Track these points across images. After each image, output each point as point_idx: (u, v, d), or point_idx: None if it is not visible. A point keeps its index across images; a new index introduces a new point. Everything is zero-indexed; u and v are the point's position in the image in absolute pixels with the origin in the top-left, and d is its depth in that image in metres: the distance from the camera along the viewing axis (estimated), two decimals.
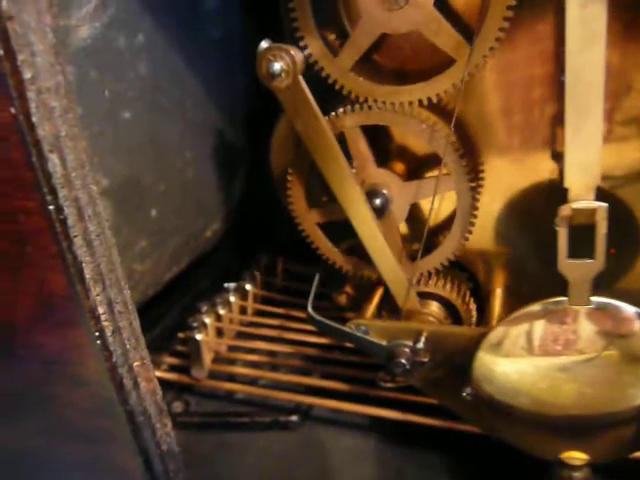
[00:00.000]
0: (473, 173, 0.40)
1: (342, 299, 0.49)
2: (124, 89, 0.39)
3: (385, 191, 0.41)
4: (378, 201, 0.40)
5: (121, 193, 0.41)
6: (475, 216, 0.41)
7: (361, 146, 0.40)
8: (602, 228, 0.33)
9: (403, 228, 0.45)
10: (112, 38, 0.37)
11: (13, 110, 0.24)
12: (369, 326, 0.42)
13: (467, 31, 0.36)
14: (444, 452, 0.44)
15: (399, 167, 0.42)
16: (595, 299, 0.35)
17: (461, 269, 0.45)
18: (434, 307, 0.43)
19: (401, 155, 0.42)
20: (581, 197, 0.33)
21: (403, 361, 0.40)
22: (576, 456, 0.37)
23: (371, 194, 0.40)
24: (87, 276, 0.27)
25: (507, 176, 0.41)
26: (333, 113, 0.39)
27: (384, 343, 0.41)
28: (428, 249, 0.42)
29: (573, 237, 0.34)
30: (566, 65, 0.31)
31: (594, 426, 0.36)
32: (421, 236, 0.40)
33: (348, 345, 0.46)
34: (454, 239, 0.41)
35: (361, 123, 0.39)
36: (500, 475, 0.42)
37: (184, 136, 0.46)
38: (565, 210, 0.33)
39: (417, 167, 0.43)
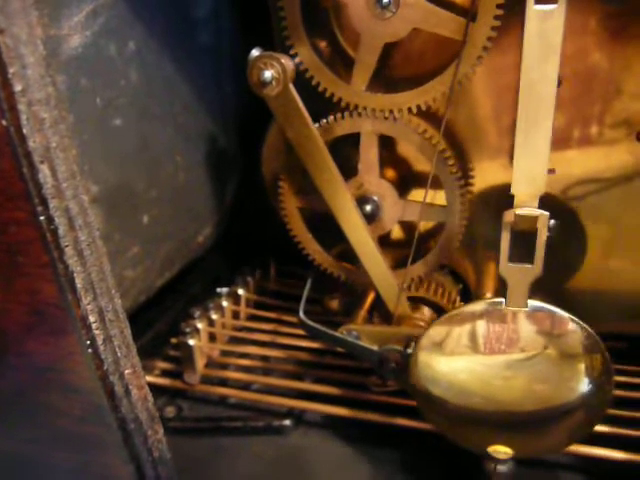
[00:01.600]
0: (463, 179, 0.40)
1: (334, 304, 0.49)
2: (115, 96, 0.39)
3: (376, 198, 0.41)
4: (368, 207, 0.41)
5: (112, 200, 0.41)
6: (465, 221, 0.41)
7: (372, 153, 0.40)
8: (542, 235, 0.34)
9: (394, 234, 0.45)
10: (103, 46, 0.37)
11: (4, 122, 0.24)
12: (360, 331, 0.42)
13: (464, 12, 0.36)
14: (436, 456, 0.44)
15: (390, 174, 0.42)
16: (531, 302, 0.36)
17: (451, 274, 0.46)
18: (425, 312, 0.43)
19: (392, 162, 0.43)
20: (525, 204, 0.34)
21: (394, 365, 0.41)
22: (501, 450, 0.38)
23: (362, 201, 0.41)
24: (78, 285, 0.27)
25: (497, 180, 0.42)
26: (324, 121, 0.39)
27: (375, 348, 0.41)
28: (419, 254, 0.42)
29: (525, 241, 0.35)
30: (521, 76, 0.32)
31: (546, 419, 0.37)
32: (412, 241, 0.41)
33: (340, 350, 0.46)
34: (444, 244, 0.42)
35: (351, 131, 0.40)
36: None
37: (175, 142, 0.46)
38: (509, 216, 0.34)
39: (408, 174, 0.43)
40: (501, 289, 0.36)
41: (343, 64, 0.40)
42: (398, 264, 0.43)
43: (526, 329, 0.36)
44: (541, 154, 0.33)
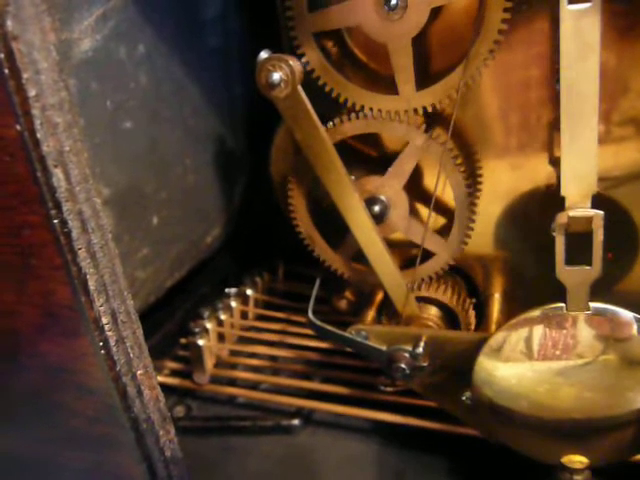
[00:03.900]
0: (471, 179, 0.40)
1: (342, 304, 0.49)
2: (125, 99, 0.40)
3: (383, 197, 0.41)
4: (377, 208, 0.41)
5: (123, 202, 0.41)
6: (473, 221, 0.41)
7: (409, 165, 0.40)
8: (599, 235, 0.34)
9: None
10: (113, 50, 0.38)
11: (18, 127, 0.24)
12: (369, 331, 0.42)
13: None
14: (444, 455, 0.44)
15: None
16: (593, 305, 0.35)
17: (460, 274, 0.46)
18: (433, 312, 0.44)
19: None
20: (578, 205, 0.34)
21: (403, 366, 0.41)
22: (576, 459, 0.37)
23: (370, 201, 0.41)
24: (91, 287, 0.28)
25: (505, 181, 0.42)
26: (331, 122, 0.39)
27: (384, 348, 0.41)
28: (427, 254, 0.42)
29: (570, 243, 0.35)
30: (560, 76, 0.32)
31: (594, 430, 0.37)
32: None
33: (348, 350, 0.47)
34: (453, 244, 0.42)
35: (359, 132, 0.40)
36: (500, 478, 0.42)
37: (184, 144, 0.47)
38: (562, 218, 0.34)
39: (415, 173, 0.43)
40: (511, 290, 0.36)
41: (351, 66, 0.41)
42: (406, 264, 0.44)
43: (587, 334, 0.35)
44: (589, 152, 0.33)
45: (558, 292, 0.36)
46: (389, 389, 0.47)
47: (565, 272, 0.35)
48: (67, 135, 0.25)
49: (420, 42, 0.37)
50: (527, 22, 0.36)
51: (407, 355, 0.41)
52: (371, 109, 0.39)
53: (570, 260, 0.35)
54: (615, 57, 0.37)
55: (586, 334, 0.35)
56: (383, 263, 0.41)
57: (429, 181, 0.43)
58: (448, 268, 0.43)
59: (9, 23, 0.23)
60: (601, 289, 0.36)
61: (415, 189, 0.43)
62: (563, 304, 0.35)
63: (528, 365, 0.37)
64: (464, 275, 0.46)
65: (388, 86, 0.38)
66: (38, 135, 0.24)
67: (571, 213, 0.34)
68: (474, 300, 0.46)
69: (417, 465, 0.44)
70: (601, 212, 0.33)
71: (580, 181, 0.33)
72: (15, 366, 0.32)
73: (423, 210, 0.44)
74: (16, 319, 0.30)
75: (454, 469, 0.44)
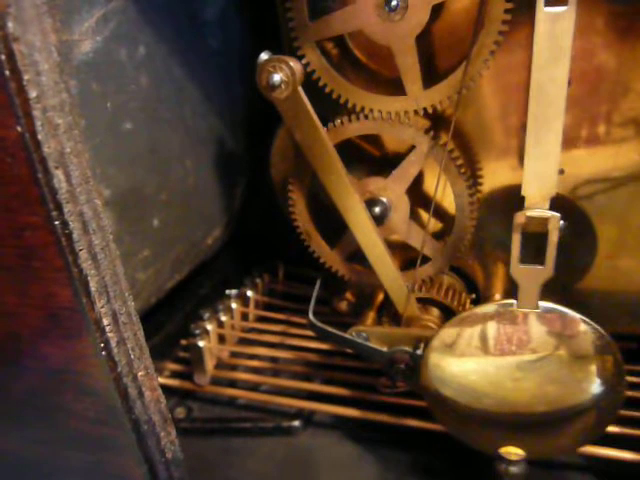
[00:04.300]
0: (471, 179, 0.41)
1: (342, 305, 0.49)
2: (126, 101, 0.40)
3: (384, 199, 0.41)
4: (378, 209, 0.41)
5: (123, 203, 0.41)
6: (474, 222, 0.41)
7: (414, 169, 0.40)
8: (553, 237, 0.34)
9: None
10: (114, 51, 0.38)
11: (19, 128, 0.24)
12: (369, 333, 0.42)
13: None
14: (445, 456, 0.44)
15: None
16: (542, 303, 0.36)
17: (460, 275, 0.46)
18: (434, 313, 0.44)
19: (398, 163, 0.43)
20: (536, 205, 0.34)
21: (403, 367, 0.41)
22: (513, 451, 0.38)
23: (371, 202, 0.41)
24: (92, 289, 0.28)
25: (505, 181, 0.42)
26: (338, 121, 0.39)
27: (384, 349, 0.42)
28: (424, 257, 0.42)
29: (535, 243, 0.35)
30: (531, 78, 0.32)
31: (558, 420, 0.37)
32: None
33: (349, 351, 0.47)
34: (450, 250, 0.42)
35: (360, 133, 0.40)
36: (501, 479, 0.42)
37: (185, 145, 0.47)
38: (519, 217, 0.35)
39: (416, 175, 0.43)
40: (512, 290, 0.36)
41: (351, 67, 0.41)
42: (407, 265, 0.44)
43: (537, 330, 0.36)
44: (552, 155, 0.33)
45: (559, 291, 0.36)
46: (390, 390, 0.47)
47: (519, 270, 0.35)
48: (68, 136, 0.25)
49: (424, 41, 0.37)
50: (526, 23, 0.36)
51: (408, 356, 0.41)
52: (377, 111, 0.39)
53: (532, 259, 0.35)
54: (615, 58, 0.37)
55: (538, 330, 0.36)
56: (384, 264, 0.41)
57: (430, 183, 0.43)
58: (448, 269, 0.43)
59: (10, 25, 0.23)
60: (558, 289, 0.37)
61: (415, 191, 0.43)
62: (515, 301, 0.36)
63: (486, 360, 0.37)
64: (464, 276, 0.46)
65: (392, 87, 0.38)
66: (39, 136, 0.24)
67: (529, 213, 0.34)
68: (474, 301, 0.46)
69: (418, 466, 0.44)
70: (557, 214, 0.34)
71: (541, 183, 0.34)
72: (16, 367, 0.32)
73: (423, 213, 0.44)
74: (17, 321, 0.30)
75: (455, 470, 0.44)
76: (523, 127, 0.37)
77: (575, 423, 0.37)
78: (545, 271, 0.35)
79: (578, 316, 0.35)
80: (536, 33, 0.31)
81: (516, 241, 0.35)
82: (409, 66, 0.36)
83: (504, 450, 0.38)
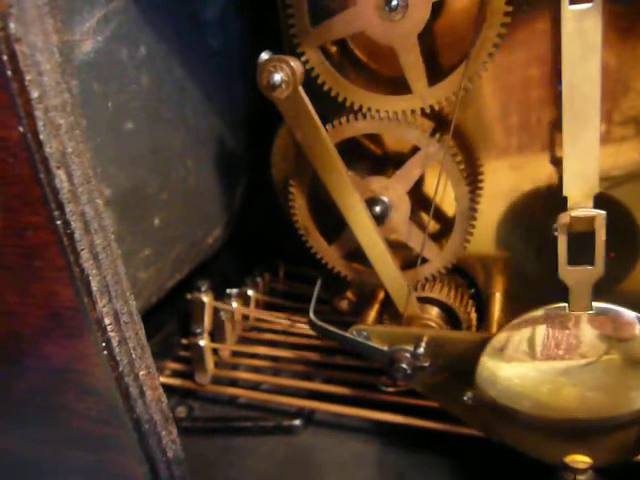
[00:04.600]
0: (472, 179, 0.41)
1: (343, 304, 0.49)
2: (127, 100, 0.40)
3: (385, 198, 0.41)
4: (378, 209, 0.41)
5: (124, 203, 0.41)
6: (475, 221, 0.41)
7: (416, 171, 0.40)
8: (601, 235, 0.34)
9: None
10: (115, 51, 0.38)
11: (21, 128, 0.24)
12: (370, 332, 0.42)
13: None
14: (446, 455, 0.44)
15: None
16: (596, 304, 0.35)
17: (461, 274, 0.46)
18: (434, 312, 0.44)
19: (399, 163, 0.43)
20: (580, 205, 0.34)
21: (404, 366, 0.41)
22: (580, 459, 0.37)
23: (372, 201, 0.41)
24: (94, 288, 0.28)
25: (506, 181, 0.42)
26: (337, 122, 0.40)
27: (385, 348, 0.42)
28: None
29: (572, 243, 0.35)
30: (563, 77, 0.32)
31: (597, 429, 0.37)
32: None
33: (350, 350, 0.47)
34: (454, 244, 0.42)
35: (361, 132, 0.40)
36: (502, 478, 0.42)
37: (186, 145, 0.47)
38: (564, 218, 0.34)
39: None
40: (512, 289, 0.36)
41: (352, 66, 0.41)
42: (408, 264, 0.44)
43: (590, 334, 0.35)
44: (592, 153, 0.33)
45: (559, 291, 0.36)
46: (390, 389, 0.47)
47: (568, 272, 0.35)
48: (70, 136, 0.25)
49: (426, 38, 0.37)
50: (528, 22, 0.36)
51: (408, 355, 0.41)
52: (383, 111, 0.39)
53: (572, 260, 0.35)
54: (615, 57, 0.37)
55: (589, 334, 0.35)
56: (384, 263, 0.41)
57: (430, 184, 0.43)
58: (449, 268, 0.43)
59: (12, 25, 0.23)
60: (604, 289, 0.36)
61: (415, 192, 0.43)
62: (566, 304, 0.36)
63: (531, 365, 0.37)
64: (465, 274, 0.46)
65: (394, 86, 0.38)
66: (41, 136, 0.24)
67: (573, 213, 0.34)
68: (475, 300, 0.46)
69: (418, 465, 0.44)
70: (603, 212, 0.34)
71: (582, 181, 0.34)
72: (18, 367, 0.32)
73: (423, 214, 0.44)
74: (19, 320, 0.30)
75: (456, 469, 0.44)
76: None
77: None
78: (595, 271, 0.34)
79: (634, 314, 0.34)
80: (564, 32, 0.31)
81: (562, 242, 0.34)
82: (413, 64, 0.36)
83: (570, 459, 0.37)
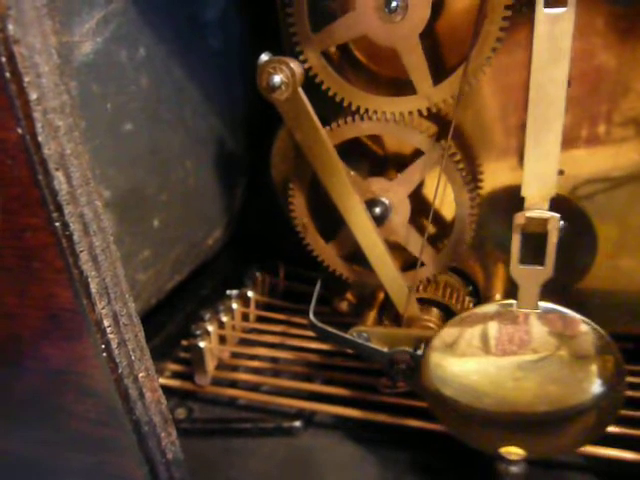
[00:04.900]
0: (472, 180, 0.41)
1: (343, 306, 0.49)
2: (126, 102, 0.40)
3: (385, 200, 0.41)
4: (378, 210, 0.41)
5: (123, 204, 0.41)
6: (474, 223, 0.41)
7: (418, 175, 0.41)
8: (553, 237, 0.34)
9: None
10: (114, 52, 0.38)
11: (20, 130, 0.24)
12: (370, 333, 0.42)
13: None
14: (446, 456, 0.44)
15: (395, 176, 0.42)
16: (542, 304, 0.36)
17: (460, 275, 0.46)
18: (434, 313, 0.44)
19: (397, 164, 0.43)
20: (536, 206, 0.34)
21: (404, 367, 0.41)
22: (513, 451, 0.38)
23: (372, 203, 0.41)
24: (93, 290, 0.28)
25: (506, 181, 0.42)
26: (333, 124, 0.40)
27: (385, 350, 0.42)
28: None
29: (535, 243, 0.35)
30: (531, 79, 0.32)
31: (559, 420, 0.37)
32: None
33: (350, 351, 0.47)
34: (451, 250, 0.42)
35: (361, 133, 0.40)
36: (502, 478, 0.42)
37: (185, 146, 0.47)
38: (519, 218, 0.35)
39: None
40: (512, 291, 0.36)
41: (352, 68, 0.41)
42: (407, 266, 0.44)
43: (538, 330, 0.36)
44: (551, 156, 0.33)
45: (560, 291, 0.36)
46: (390, 391, 0.47)
47: (519, 270, 0.36)
48: (68, 138, 0.25)
49: (428, 38, 0.37)
50: (527, 24, 0.36)
51: (408, 357, 0.41)
52: (389, 113, 0.39)
53: (534, 259, 0.35)
54: (615, 58, 0.37)
55: (539, 330, 0.36)
56: (384, 265, 0.41)
57: (430, 185, 0.43)
58: (449, 269, 0.43)
59: (10, 27, 0.23)
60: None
61: (415, 194, 0.43)
62: (514, 301, 0.36)
63: (487, 360, 0.37)
64: (465, 276, 0.46)
65: (396, 87, 0.38)
66: (39, 138, 0.24)
67: (528, 214, 0.34)
68: (475, 301, 0.46)
69: (418, 467, 0.44)
70: (557, 215, 0.34)
71: (540, 183, 0.34)
72: (17, 369, 0.32)
73: (422, 217, 0.44)
74: (18, 322, 0.30)
75: (455, 470, 0.44)
76: (523, 127, 0.37)
77: (576, 423, 0.37)
78: (545, 271, 0.35)
79: (578, 316, 0.35)
80: (536, 34, 0.31)
81: (516, 241, 0.35)
82: (416, 64, 0.36)
83: (504, 450, 0.38)
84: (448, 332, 0.37)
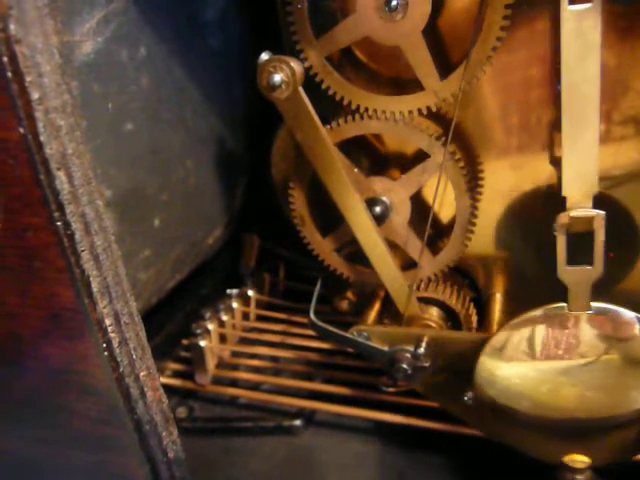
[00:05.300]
0: (472, 179, 0.41)
1: (343, 305, 0.49)
2: (126, 101, 0.40)
3: (385, 199, 0.41)
4: (378, 209, 0.41)
5: (124, 204, 0.41)
6: (475, 222, 0.41)
7: (423, 178, 0.40)
8: (600, 235, 0.34)
9: None
10: (115, 52, 0.38)
11: (21, 130, 0.24)
12: (370, 332, 0.42)
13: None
14: (446, 455, 0.44)
15: (396, 175, 0.43)
16: (595, 304, 0.35)
17: (461, 274, 0.46)
18: (434, 312, 0.44)
19: (399, 163, 0.43)
20: (579, 205, 0.34)
21: (404, 366, 0.41)
22: (579, 459, 0.37)
23: (371, 202, 0.41)
24: (94, 289, 0.28)
25: (506, 181, 0.42)
26: (333, 123, 0.40)
27: (386, 349, 0.42)
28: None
29: (571, 243, 0.35)
30: (562, 77, 0.32)
31: (596, 429, 0.37)
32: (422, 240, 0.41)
33: (350, 350, 0.47)
34: (454, 245, 0.42)
35: (361, 132, 0.40)
36: (502, 478, 0.42)
37: (185, 145, 0.47)
38: (563, 218, 0.34)
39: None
40: (512, 290, 0.36)
41: (352, 67, 0.41)
42: (408, 264, 0.44)
43: (589, 333, 0.35)
44: (591, 153, 0.33)
45: (559, 291, 0.36)
46: (391, 390, 0.47)
47: (567, 272, 0.35)
48: (70, 138, 0.25)
49: (431, 33, 0.37)
50: (528, 22, 0.36)
51: (409, 355, 0.41)
52: (371, 110, 0.38)
53: (571, 259, 0.35)
54: (615, 57, 0.37)
55: (588, 334, 0.35)
56: (384, 264, 0.41)
57: (431, 185, 0.43)
58: (449, 268, 0.43)
59: (12, 27, 0.23)
60: (604, 289, 0.36)
61: (416, 192, 0.43)
62: (565, 304, 0.36)
63: (531, 365, 0.37)
64: (466, 274, 0.46)
65: (400, 86, 0.38)
66: (41, 138, 0.24)
67: (572, 213, 0.34)
68: (475, 300, 0.46)
69: (419, 465, 0.44)
70: (602, 212, 0.34)
71: (581, 181, 0.34)
72: (18, 368, 0.32)
73: (421, 217, 0.44)
74: (20, 321, 0.30)
75: (456, 469, 0.44)
76: (526, 126, 0.37)
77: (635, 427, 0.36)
78: (595, 270, 0.34)
79: (634, 315, 0.34)
80: (563, 32, 0.31)
81: (561, 242, 0.34)
82: (421, 61, 0.36)
83: (569, 458, 0.37)
84: (499, 339, 0.37)
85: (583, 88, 0.32)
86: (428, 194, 0.44)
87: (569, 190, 0.34)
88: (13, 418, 0.36)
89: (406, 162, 0.43)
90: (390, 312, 0.44)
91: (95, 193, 0.27)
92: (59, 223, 0.26)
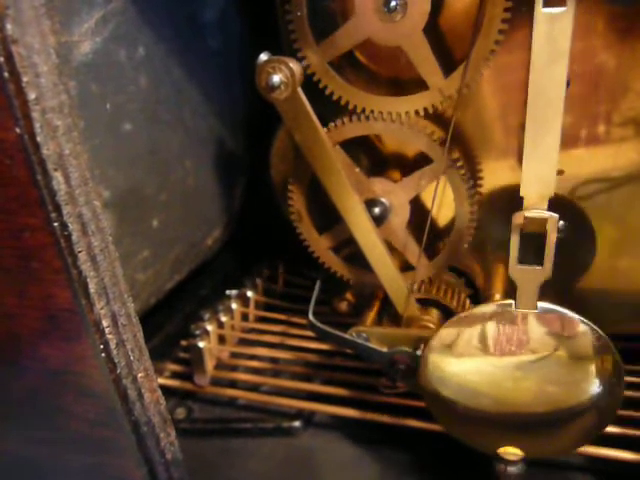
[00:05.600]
0: (471, 180, 0.41)
1: (342, 306, 0.49)
2: (125, 102, 0.40)
3: (384, 200, 0.41)
4: (377, 210, 0.41)
5: (123, 204, 0.41)
6: (474, 222, 0.41)
7: (423, 182, 0.41)
8: (552, 237, 0.34)
9: None
10: (113, 52, 0.38)
11: (18, 130, 0.24)
12: (370, 333, 0.42)
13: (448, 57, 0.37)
14: (446, 456, 0.44)
15: (396, 176, 0.43)
16: (540, 304, 0.36)
17: (460, 275, 0.46)
18: (433, 314, 0.44)
19: (399, 164, 0.43)
20: (535, 206, 0.34)
21: (403, 367, 0.41)
22: (511, 451, 0.38)
23: (370, 203, 0.41)
24: (91, 290, 0.28)
25: (506, 181, 0.42)
26: (332, 124, 0.39)
27: (385, 350, 0.42)
28: (428, 256, 0.42)
29: (534, 243, 0.35)
30: (530, 79, 0.32)
31: (557, 421, 0.37)
32: (420, 242, 0.41)
33: (349, 351, 0.47)
34: (452, 249, 0.42)
35: (360, 133, 0.40)
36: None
37: (184, 146, 0.47)
38: (518, 218, 0.35)
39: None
40: (510, 291, 0.36)
41: (351, 67, 0.41)
42: (407, 266, 0.44)
43: (536, 331, 0.36)
44: (550, 156, 0.33)
45: (559, 291, 0.36)
46: (390, 391, 0.47)
47: (517, 270, 0.35)
48: (67, 138, 0.25)
49: (432, 32, 0.37)
50: (527, 23, 0.36)
51: (408, 357, 0.41)
52: (372, 111, 0.38)
53: (532, 259, 0.35)
54: (615, 58, 0.37)
55: (537, 331, 0.36)
56: (383, 265, 0.41)
57: (430, 188, 0.43)
58: (448, 269, 0.43)
59: (9, 26, 0.23)
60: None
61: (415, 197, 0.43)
62: (512, 301, 0.36)
63: (485, 360, 0.37)
64: (464, 275, 0.46)
65: (401, 87, 0.38)
66: (38, 138, 0.24)
67: (527, 214, 0.34)
68: (474, 301, 0.46)
69: (418, 466, 0.44)
70: (556, 215, 0.34)
71: (539, 184, 0.34)
72: (16, 369, 0.32)
73: (419, 219, 0.44)
74: (17, 322, 0.30)
75: (454, 470, 0.44)
76: (522, 127, 0.37)
77: (574, 423, 0.37)
78: (543, 271, 0.35)
79: (577, 317, 0.35)
80: (535, 34, 0.31)
81: (514, 241, 0.35)
82: (424, 60, 0.36)
83: (502, 450, 0.38)
84: (446, 332, 0.37)
85: (548, 91, 0.32)
86: (427, 196, 0.44)
87: (526, 191, 0.34)
88: (11, 419, 0.35)
89: (406, 163, 0.43)
90: (389, 313, 0.44)
91: (92, 194, 0.27)
92: (56, 224, 0.26)
